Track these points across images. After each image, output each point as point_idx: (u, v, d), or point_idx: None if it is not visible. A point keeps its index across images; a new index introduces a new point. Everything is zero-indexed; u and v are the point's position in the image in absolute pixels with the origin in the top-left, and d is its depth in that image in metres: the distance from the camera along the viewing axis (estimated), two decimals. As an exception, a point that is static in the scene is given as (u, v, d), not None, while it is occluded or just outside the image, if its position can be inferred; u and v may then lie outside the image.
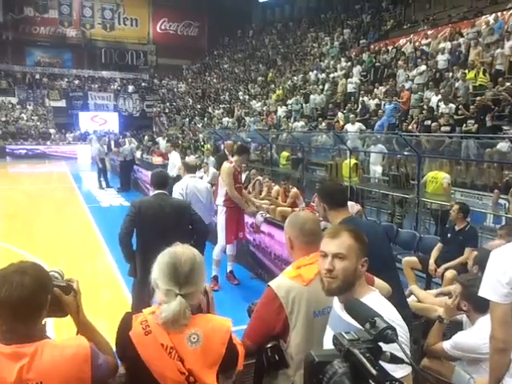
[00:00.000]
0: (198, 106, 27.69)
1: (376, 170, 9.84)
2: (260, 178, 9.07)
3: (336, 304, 1.72)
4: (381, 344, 1.12)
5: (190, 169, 5.55)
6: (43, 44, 34.58)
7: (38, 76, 32.69)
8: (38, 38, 34.21)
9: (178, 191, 5.16)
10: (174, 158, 10.42)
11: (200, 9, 35.91)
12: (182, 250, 1.66)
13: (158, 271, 1.64)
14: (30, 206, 11.50)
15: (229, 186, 5.52)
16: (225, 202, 5.64)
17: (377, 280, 2.01)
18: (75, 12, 34.80)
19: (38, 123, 29.58)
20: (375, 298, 1.66)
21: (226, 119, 21.65)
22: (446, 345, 2.61)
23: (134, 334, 1.58)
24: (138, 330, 1.58)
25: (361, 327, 1.20)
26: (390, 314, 1.55)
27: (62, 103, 31.60)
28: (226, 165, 5.62)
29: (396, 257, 5.66)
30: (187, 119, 26.50)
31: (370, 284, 1.79)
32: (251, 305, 2.14)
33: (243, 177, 7.14)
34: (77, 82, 33.41)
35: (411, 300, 3.45)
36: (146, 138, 22.71)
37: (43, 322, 1.50)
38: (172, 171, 9.49)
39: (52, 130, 29.13)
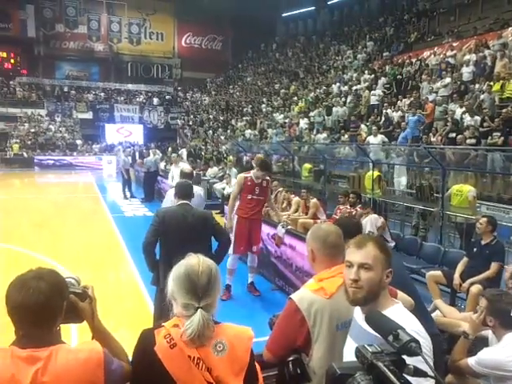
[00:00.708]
0: (221, 118, 27.98)
1: (400, 182, 9.74)
2: (281, 189, 9.08)
3: (358, 314, 1.71)
4: (404, 357, 1.11)
5: (186, 175, 5.54)
6: (72, 58, 35.72)
7: (66, 89, 33.67)
8: (67, 52, 35.36)
9: (171, 194, 5.04)
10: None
11: (224, 23, 36.51)
12: (197, 262, 1.65)
13: (174, 284, 1.63)
14: (56, 215, 11.76)
15: (232, 194, 5.96)
16: (237, 210, 5.82)
17: (400, 293, 1.99)
18: (103, 27, 35.84)
19: (66, 134, 30.35)
20: (399, 309, 1.65)
21: (248, 131, 21.79)
22: (471, 361, 2.54)
23: (160, 349, 1.55)
24: (163, 344, 1.55)
25: (382, 339, 1.20)
26: (413, 326, 1.54)
27: (89, 115, 32.41)
28: (239, 175, 6.09)
29: (420, 271, 5.59)
30: (210, 131, 26.78)
31: (392, 297, 1.78)
32: (272, 317, 2.14)
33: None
34: (103, 94, 34.25)
35: (435, 315, 3.39)
36: (170, 149, 23.04)
37: (58, 328, 1.54)
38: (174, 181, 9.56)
39: (79, 142, 29.85)
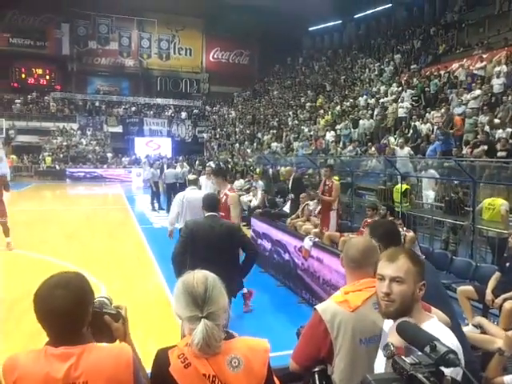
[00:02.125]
0: (248, 132, 28.21)
1: (428, 195, 9.58)
2: (309, 202, 9.05)
3: (387, 328, 1.71)
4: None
5: (191, 182, 6.83)
6: (103, 73, 36.82)
7: (97, 103, 34.69)
8: (99, 68, 36.49)
9: (179, 198, 6.08)
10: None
11: (251, 38, 37.00)
12: (191, 275, 1.66)
13: (176, 303, 1.64)
14: (86, 226, 12.03)
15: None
16: None
17: (434, 310, 1.95)
18: (134, 43, 36.89)
19: (97, 148, 31.18)
20: (435, 324, 1.63)
21: (274, 144, 21.88)
22: (507, 379, 2.48)
23: (174, 369, 1.55)
24: (177, 364, 1.55)
25: (417, 351, 1.19)
26: (450, 340, 1.51)
27: (119, 129, 33.24)
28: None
29: (450, 286, 5.47)
30: (237, 144, 27.02)
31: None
32: (300, 328, 2.15)
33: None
34: (133, 108, 35.09)
35: (468, 330, 3.31)
36: (197, 162, 23.34)
37: (88, 329, 1.57)
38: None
39: (109, 154, 30.60)
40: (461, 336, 2.49)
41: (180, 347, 1.59)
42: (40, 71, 34.85)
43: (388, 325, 1.71)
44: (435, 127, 12.39)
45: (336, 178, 12.41)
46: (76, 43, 35.42)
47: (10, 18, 33.60)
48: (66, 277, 1.55)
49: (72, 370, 1.45)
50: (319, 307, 1.96)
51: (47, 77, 35.15)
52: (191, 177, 8.01)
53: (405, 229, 6.70)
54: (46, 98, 33.51)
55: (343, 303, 1.92)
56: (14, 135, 30.05)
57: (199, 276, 1.65)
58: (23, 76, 34.49)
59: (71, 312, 1.48)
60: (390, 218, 7.29)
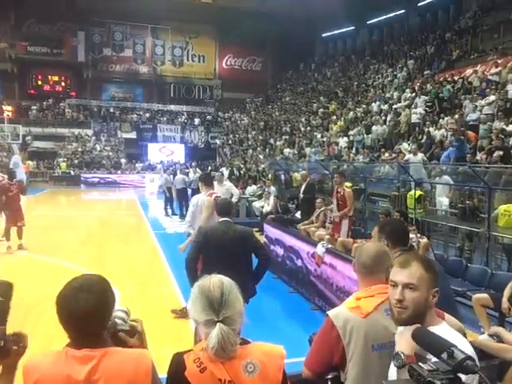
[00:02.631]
0: (260, 137, 28.28)
1: (442, 201, 9.49)
2: (327, 209, 8.99)
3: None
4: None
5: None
6: (118, 80, 37.30)
7: (111, 110, 35.12)
8: (113, 75, 36.99)
9: (193, 202, 6.29)
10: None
11: (264, 45, 37.17)
12: (208, 279, 1.66)
13: (192, 307, 1.64)
14: (100, 231, 12.16)
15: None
16: None
17: (447, 316, 1.95)
18: (148, 50, 37.32)
19: (111, 153, 31.52)
20: (445, 329, 1.62)
21: (287, 150, 21.90)
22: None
23: (190, 374, 1.55)
24: (193, 368, 1.55)
25: (428, 357, 1.19)
26: (462, 346, 1.49)
27: (133, 135, 33.58)
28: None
29: (465, 293, 5.41)
30: (250, 150, 27.11)
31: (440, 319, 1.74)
32: (312, 334, 2.14)
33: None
34: (147, 115, 35.44)
35: (483, 339, 3.27)
36: (210, 168, 23.46)
37: (108, 332, 1.59)
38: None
39: (123, 160, 30.92)
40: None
41: (196, 351, 1.59)
42: (56, 78, 35.45)
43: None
44: (449, 133, 12.29)
45: (348, 184, 12.41)
46: (91, 50, 35.98)
47: (28, 26, 34.32)
48: (90, 279, 1.58)
49: (92, 372, 1.47)
50: (331, 313, 1.96)
51: (63, 83, 35.74)
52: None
53: (418, 235, 6.64)
54: (61, 104, 34.05)
55: (355, 309, 1.91)
56: (31, 141, 30.55)
57: (215, 280, 1.65)
58: (39, 83, 35.13)
59: (94, 314, 1.50)
60: (404, 225, 7.26)
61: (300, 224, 9.63)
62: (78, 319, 1.48)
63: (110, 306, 1.59)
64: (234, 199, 9.48)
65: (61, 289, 1.55)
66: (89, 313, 1.48)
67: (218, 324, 1.55)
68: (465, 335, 2.15)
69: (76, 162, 29.65)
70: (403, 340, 1.57)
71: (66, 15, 33.23)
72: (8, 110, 30.51)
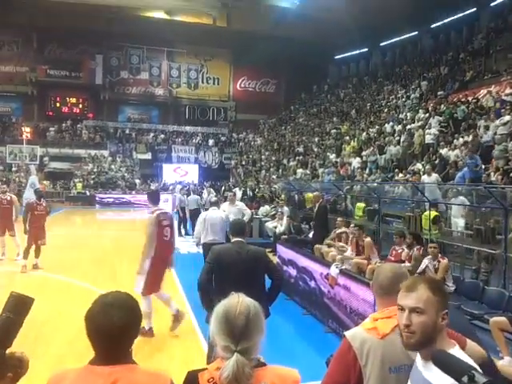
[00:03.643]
0: (273, 158, 28.42)
1: (458, 222, 9.37)
2: (344, 229, 8.93)
3: (418, 360, 1.66)
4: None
5: (213, 204, 7.98)
6: (134, 102, 38.03)
7: (127, 131, 35.72)
8: (129, 97, 37.74)
9: (202, 217, 7.32)
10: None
11: (277, 67, 37.63)
12: (236, 302, 1.63)
13: (214, 325, 1.62)
14: (115, 251, 12.22)
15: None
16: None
17: (469, 342, 1.88)
18: (163, 73, 38.08)
19: (126, 174, 31.91)
20: (456, 353, 1.57)
21: (300, 170, 21.94)
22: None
23: None
24: None
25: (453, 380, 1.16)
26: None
27: (148, 156, 34.05)
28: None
29: (483, 317, 5.30)
30: (263, 171, 27.21)
31: (461, 347, 1.70)
32: (329, 356, 2.10)
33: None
34: (162, 136, 35.94)
35: (503, 364, 3.20)
36: (223, 188, 23.58)
37: (131, 349, 1.62)
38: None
39: (137, 181, 31.24)
40: None
41: (211, 371, 1.59)
42: (74, 100, 36.28)
43: (418, 356, 1.67)
44: (463, 153, 12.22)
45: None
46: (109, 73, 36.84)
47: (49, 51, 35.41)
48: (120, 297, 1.61)
49: None
50: (348, 333, 1.94)
51: (81, 105, 36.54)
52: (213, 199, 9.26)
53: (440, 255, 6.55)
54: (78, 125, 34.77)
55: (372, 330, 1.89)
56: (48, 162, 31.14)
57: (242, 307, 1.62)
58: (58, 105, 35.97)
59: (123, 331, 1.53)
60: (417, 247, 7.18)
61: (327, 239, 9.45)
62: (110, 334, 1.51)
63: (139, 323, 1.62)
64: (246, 219, 9.49)
65: (90, 305, 1.58)
66: (120, 328, 1.51)
67: (235, 354, 1.53)
68: (492, 362, 2.10)
69: (91, 182, 30.06)
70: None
71: (85, 39, 34.26)
72: (27, 131, 31.24)
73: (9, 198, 10.44)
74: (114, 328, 1.50)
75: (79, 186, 29.25)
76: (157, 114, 38.69)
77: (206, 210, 14.49)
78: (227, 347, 1.56)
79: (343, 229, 9.13)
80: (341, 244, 8.81)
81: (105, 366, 1.52)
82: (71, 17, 29.15)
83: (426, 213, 9.05)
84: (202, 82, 39.15)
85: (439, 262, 6.40)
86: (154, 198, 6.19)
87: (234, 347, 1.55)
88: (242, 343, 1.56)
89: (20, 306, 1.48)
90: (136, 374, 1.53)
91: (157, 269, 5.72)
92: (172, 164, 33.83)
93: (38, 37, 34.56)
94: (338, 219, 9.54)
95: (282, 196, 17.06)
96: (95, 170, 31.50)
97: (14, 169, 29.68)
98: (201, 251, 7.69)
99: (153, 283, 5.68)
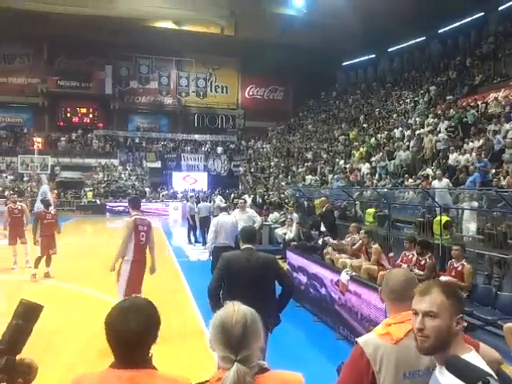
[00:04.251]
0: (282, 165, 28.43)
1: (469, 227, 9.28)
2: (355, 236, 8.87)
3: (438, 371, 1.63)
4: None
5: (223, 209, 8.23)
6: (143, 111, 38.37)
7: (137, 140, 36.02)
8: (139, 106, 38.11)
9: (215, 222, 7.55)
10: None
11: (285, 74, 37.76)
12: (232, 311, 1.60)
13: (211, 335, 1.60)
14: (125, 259, 12.25)
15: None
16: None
17: (483, 346, 1.86)
18: (173, 82, 38.39)
19: (136, 183, 32.13)
20: (472, 358, 1.56)
21: (309, 177, 21.92)
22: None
23: None
24: None
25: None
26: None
27: (158, 164, 34.28)
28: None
29: (496, 322, 5.22)
30: (272, 178, 27.22)
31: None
32: (340, 364, 2.07)
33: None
34: (171, 144, 36.18)
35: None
36: (233, 195, 23.61)
37: (150, 355, 1.63)
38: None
39: (147, 189, 31.41)
40: None
41: (212, 382, 1.58)
42: (84, 110, 36.74)
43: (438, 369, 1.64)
44: (474, 158, 12.12)
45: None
46: (118, 83, 37.25)
47: (59, 62, 35.92)
48: (138, 302, 1.64)
49: None
50: (360, 340, 1.90)
51: (91, 115, 36.98)
52: (223, 205, 9.57)
53: (464, 260, 6.44)
54: (89, 135, 35.16)
55: (385, 336, 1.85)
56: (59, 171, 31.47)
57: (239, 316, 1.59)
58: (68, 115, 36.43)
59: (140, 337, 1.55)
60: (429, 255, 7.09)
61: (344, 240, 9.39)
62: (129, 339, 1.53)
63: (157, 329, 1.64)
64: (256, 226, 9.50)
65: (110, 310, 1.61)
66: (139, 333, 1.53)
67: (235, 364, 1.51)
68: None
69: (102, 191, 30.29)
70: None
71: (94, 50, 34.70)
72: (38, 141, 31.64)
73: (20, 208, 10.63)
74: (131, 333, 1.53)
75: (90, 194, 29.48)
76: (166, 122, 38.98)
77: (215, 216, 14.63)
78: (226, 357, 1.54)
79: (355, 235, 9.05)
80: (342, 242, 8.83)
81: (124, 369, 1.54)
82: (81, 28, 29.57)
83: (438, 218, 8.97)
84: (211, 91, 39.40)
85: (463, 265, 6.30)
86: (135, 203, 6.57)
87: (234, 357, 1.53)
88: (242, 352, 1.53)
89: (29, 312, 1.49)
90: (155, 379, 1.55)
91: (136, 272, 6.07)
92: (181, 172, 34.02)
93: (49, 48, 35.15)
94: (352, 225, 9.47)
95: (291, 202, 17.02)
96: (105, 178, 31.76)
97: (25, 178, 30.05)
98: (211, 259, 7.70)
99: (134, 285, 5.96)
